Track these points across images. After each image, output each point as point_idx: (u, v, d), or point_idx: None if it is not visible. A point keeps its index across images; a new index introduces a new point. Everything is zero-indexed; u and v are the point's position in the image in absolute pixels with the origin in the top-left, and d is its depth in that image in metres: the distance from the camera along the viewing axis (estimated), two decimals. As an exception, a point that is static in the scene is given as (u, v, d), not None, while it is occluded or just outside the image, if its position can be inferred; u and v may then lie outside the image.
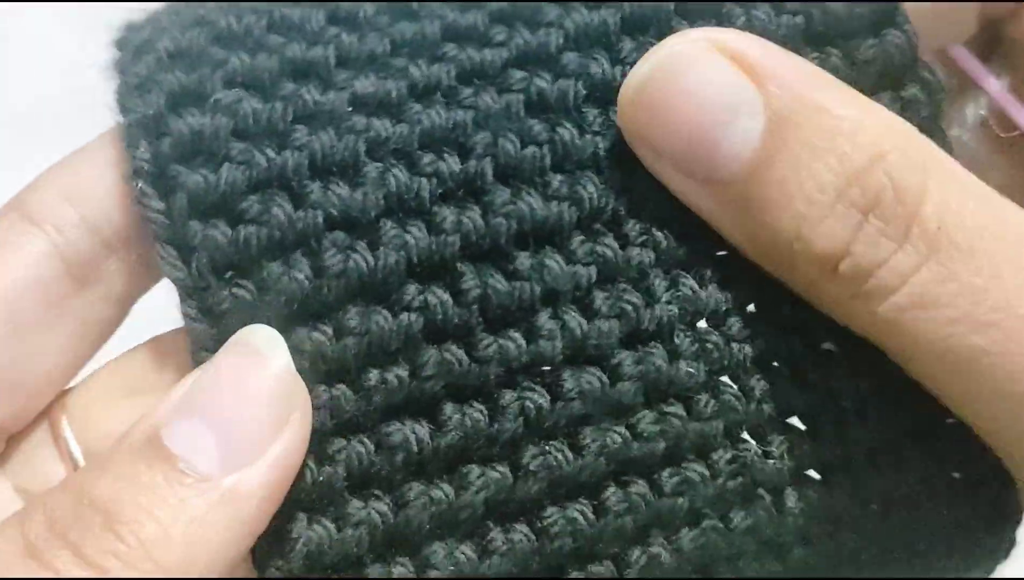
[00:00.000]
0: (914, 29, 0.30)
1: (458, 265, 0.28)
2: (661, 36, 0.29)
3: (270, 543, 0.28)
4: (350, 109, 0.29)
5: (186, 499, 0.26)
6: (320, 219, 0.28)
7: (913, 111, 0.29)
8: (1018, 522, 0.31)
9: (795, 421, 0.30)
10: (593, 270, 0.29)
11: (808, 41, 0.30)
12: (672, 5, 0.30)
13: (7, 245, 0.29)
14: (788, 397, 0.29)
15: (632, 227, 0.29)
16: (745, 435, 0.29)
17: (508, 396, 0.28)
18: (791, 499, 0.29)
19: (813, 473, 0.30)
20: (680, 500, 0.29)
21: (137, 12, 0.32)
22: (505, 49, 0.30)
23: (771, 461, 0.29)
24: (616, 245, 0.29)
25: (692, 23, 0.30)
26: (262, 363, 0.27)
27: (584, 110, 0.29)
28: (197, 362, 0.28)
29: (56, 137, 0.34)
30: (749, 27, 0.29)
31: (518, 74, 0.30)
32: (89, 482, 0.26)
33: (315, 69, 0.30)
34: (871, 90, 0.29)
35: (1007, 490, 0.30)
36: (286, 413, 0.27)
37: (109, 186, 0.30)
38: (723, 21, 0.30)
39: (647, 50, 0.29)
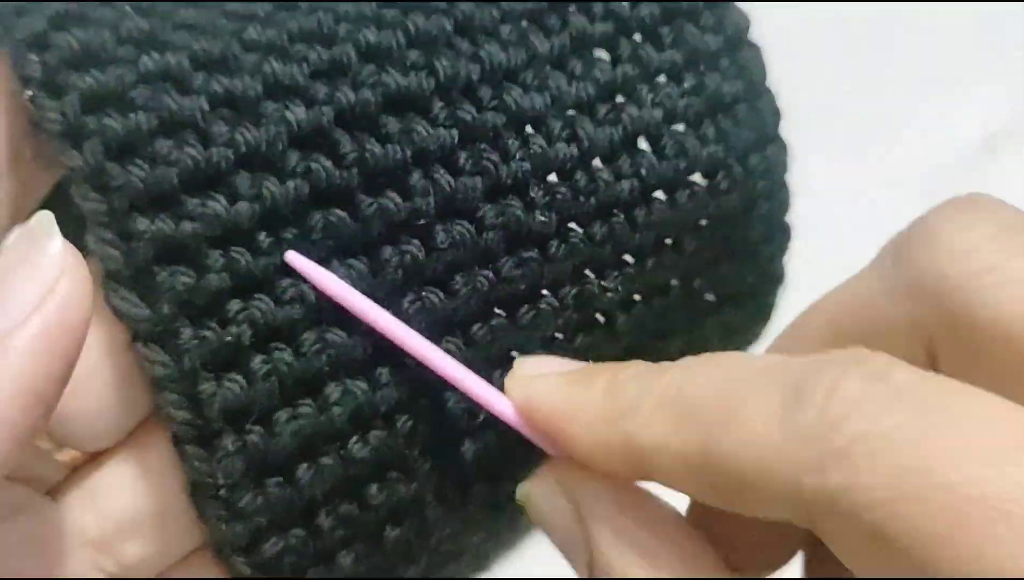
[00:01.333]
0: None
1: (335, 134, 0.31)
2: None
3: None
4: (224, 20, 0.32)
5: None
6: (205, 101, 0.31)
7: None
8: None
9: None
10: (455, 132, 0.32)
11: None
12: None
13: None
14: (623, 238, 0.34)
15: (485, 92, 0.33)
16: (588, 272, 0.34)
17: (388, 250, 0.32)
18: (621, 321, 0.35)
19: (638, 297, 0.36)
20: (535, 331, 0.34)
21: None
22: None
23: (608, 293, 0.35)
24: (473, 110, 0.33)
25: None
26: (30, 239, 0.29)
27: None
28: (94, 240, 0.30)
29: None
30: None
31: None
32: None
33: None
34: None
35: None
36: (52, 278, 0.28)
37: None
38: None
39: None
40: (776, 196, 0.37)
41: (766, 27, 0.37)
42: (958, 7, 0.57)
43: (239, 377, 0.30)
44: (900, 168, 0.47)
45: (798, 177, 0.37)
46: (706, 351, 0.36)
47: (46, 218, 0.29)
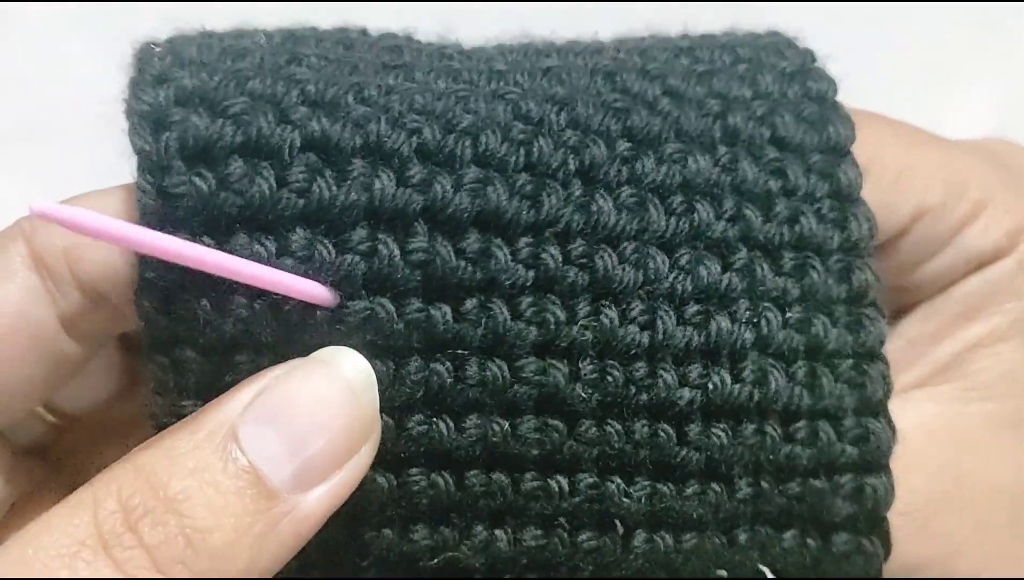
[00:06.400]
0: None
1: (414, 224, 0.30)
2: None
3: None
4: (348, 70, 0.31)
5: (256, 514, 0.27)
6: (297, 137, 0.29)
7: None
8: None
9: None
10: (531, 274, 0.30)
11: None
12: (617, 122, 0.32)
13: (11, 277, 0.30)
14: (665, 449, 0.31)
15: (578, 245, 0.31)
16: (614, 469, 0.31)
17: (416, 363, 0.30)
18: (639, 539, 0.32)
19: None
20: (533, 503, 0.31)
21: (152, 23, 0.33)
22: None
23: (628, 500, 0.31)
24: (559, 257, 0.30)
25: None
26: (351, 397, 0.28)
27: (563, 130, 0.31)
28: (141, 206, 0.29)
29: (57, 145, 0.35)
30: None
31: (513, 81, 0.32)
32: (163, 470, 0.27)
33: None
34: None
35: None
36: (359, 444, 0.28)
37: (107, 257, 0.30)
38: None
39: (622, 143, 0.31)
40: (868, 479, 0.32)
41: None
42: (951, 7, 0.59)
43: None
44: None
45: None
46: None
47: (369, 374, 0.29)
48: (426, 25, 0.35)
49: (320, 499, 0.27)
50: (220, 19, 0.34)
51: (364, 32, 0.34)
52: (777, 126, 0.32)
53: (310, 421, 0.28)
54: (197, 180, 0.29)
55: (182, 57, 0.31)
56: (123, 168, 0.30)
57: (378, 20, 0.35)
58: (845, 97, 0.34)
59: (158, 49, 0.31)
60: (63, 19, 0.58)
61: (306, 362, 0.29)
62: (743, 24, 0.36)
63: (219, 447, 0.27)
